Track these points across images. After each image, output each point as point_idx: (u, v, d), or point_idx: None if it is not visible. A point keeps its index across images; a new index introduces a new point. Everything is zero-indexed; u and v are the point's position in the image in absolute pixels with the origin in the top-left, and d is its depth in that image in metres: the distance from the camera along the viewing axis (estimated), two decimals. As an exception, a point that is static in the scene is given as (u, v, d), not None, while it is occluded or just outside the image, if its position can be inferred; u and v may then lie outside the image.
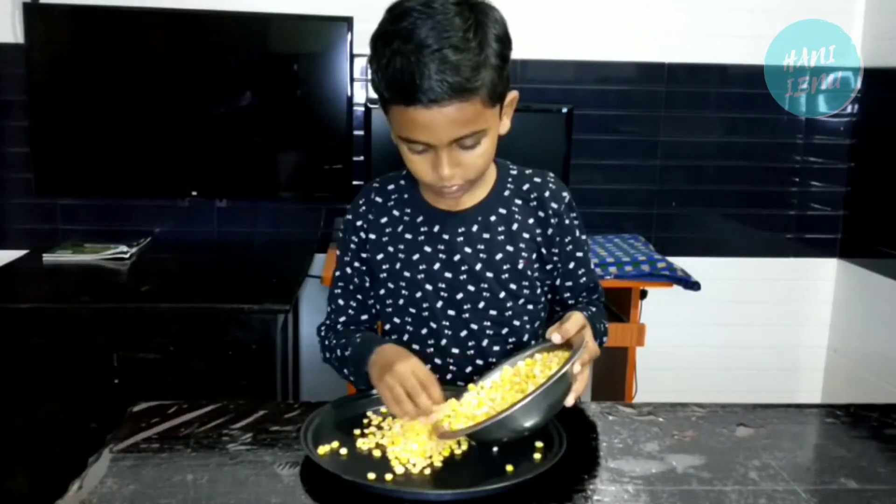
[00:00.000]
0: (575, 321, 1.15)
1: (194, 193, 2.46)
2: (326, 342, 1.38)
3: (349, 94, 2.43)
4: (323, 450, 1.08)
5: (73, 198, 2.55)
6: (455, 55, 1.06)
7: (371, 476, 1.01)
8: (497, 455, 1.09)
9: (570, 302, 1.39)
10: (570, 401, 1.08)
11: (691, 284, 2.34)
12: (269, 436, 1.16)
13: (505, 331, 1.32)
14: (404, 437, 1.10)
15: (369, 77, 1.17)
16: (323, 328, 1.41)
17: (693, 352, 2.80)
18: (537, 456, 1.08)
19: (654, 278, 2.33)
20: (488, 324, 1.31)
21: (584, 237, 1.36)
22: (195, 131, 2.44)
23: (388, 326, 1.36)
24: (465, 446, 1.10)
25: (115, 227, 2.56)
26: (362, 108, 2.44)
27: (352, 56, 2.41)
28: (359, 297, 1.37)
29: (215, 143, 2.45)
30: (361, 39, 2.46)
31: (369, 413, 1.20)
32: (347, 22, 2.39)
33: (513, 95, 1.21)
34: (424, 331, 1.32)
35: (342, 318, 1.38)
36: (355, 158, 2.49)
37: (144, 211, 2.58)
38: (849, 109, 2.72)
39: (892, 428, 1.26)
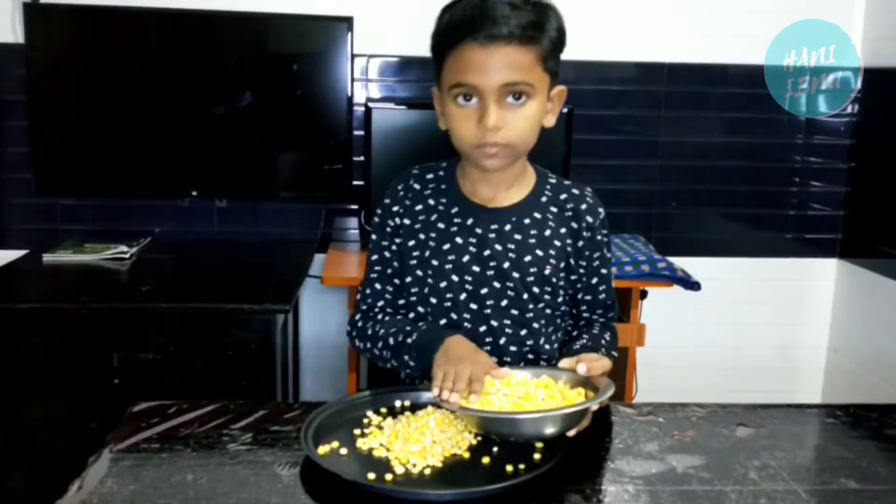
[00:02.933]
0: (602, 365, 1.19)
1: (194, 193, 2.46)
2: (369, 330, 1.36)
3: (349, 94, 2.43)
4: (323, 450, 1.08)
5: (73, 198, 2.55)
6: (519, 8, 1.16)
7: (371, 476, 1.01)
8: (497, 455, 1.09)
9: (584, 315, 1.40)
10: (572, 432, 1.11)
11: (691, 284, 2.34)
12: (270, 436, 1.16)
13: (523, 332, 1.33)
14: (405, 439, 1.10)
15: (435, 27, 1.27)
16: (359, 315, 1.39)
17: (693, 352, 2.80)
18: (537, 456, 1.08)
19: (655, 278, 2.33)
20: (508, 322, 1.32)
21: (610, 256, 1.39)
22: (195, 131, 2.44)
23: (411, 315, 1.36)
24: (465, 446, 1.10)
25: (115, 227, 2.56)
26: (362, 108, 2.44)
27: (352, 56, 2.42)
28: (396, 281, 1.37)
29: (215, 143, 2.45)
30: (361, 39, 2.48)
31: (369, 413, 1.20)
32: (347, 22, 2.39)
33: (562, 89, 1.27)
34: (444, 321, 1.32)
35: (380, 303, 1.38)
36: (355, 158, 2.49)
37: (144, 211, 2.58)
38: (849, 109, 2.72)
39: (892, 428, 1.26)
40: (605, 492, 1.03)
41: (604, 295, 1.39)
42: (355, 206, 2.60)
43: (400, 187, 1.38)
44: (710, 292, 2.47)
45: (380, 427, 1.15)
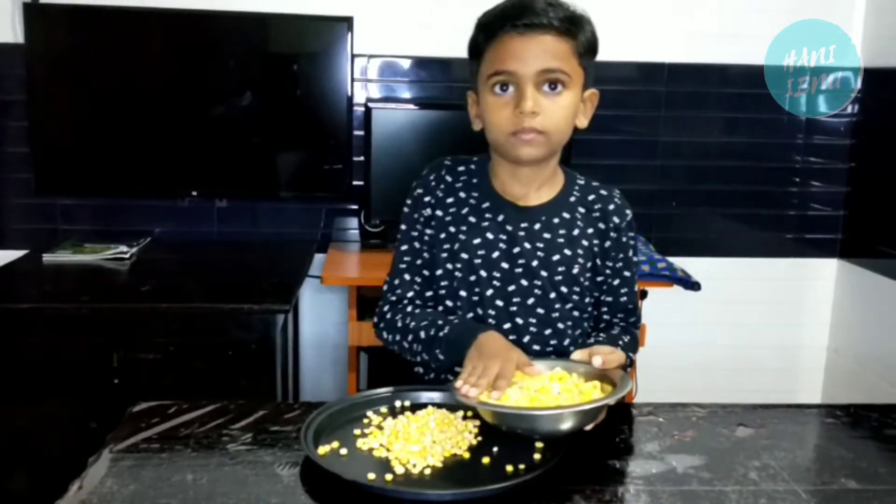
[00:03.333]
0: (617, 357, 1.19)
1: (194, 193, 2.46)
2: (398, 322, 1.36)
3: (349, 93, 2.43)
4: (323, 450, 1.07)
5: (73, 198, 2.55)
6: (556, 5, 1.22)
7: (371, 476, 1.01)
8: (497, 455, 1.08)
9: (605, 317, 1.40)
10: (589, 426, 1.11)
11: (691, 285, 2.33)
12: (269, 436, 1.16)
13: (548, 332, 1.33)
14: (405, 439, 1.10)
15: (473, 31, 1.30)
16: (387, 306, 1.39)
17: (693, 352, 2.80)
18: (537, 456, 1.08)
19: (655, 278, 2.33)
20: (533, 321, 1.32)
21: (635, 259, 1.40)
22: (195, 131, 2.44)
23: (439, 308, 1.36)
24: (465, 446, 1.10)
25: (114, 227, 2.56)
26: (362, 108, 2.44)
27: (352, 56, 2.42)
28: (425, 272, 1.37)
29: (215, 143, 2.45)
30: (361, 39, 2.48)
31: (369, 413, 1.20)
32: (347, 22, 2.39)
33: (595, 92, 1.31)
34: (470, 316, 1.33)
35: (409, 294, 1.37)
36: (355, 158, 2.49)
37: (144, 211, 2.58)
38: (849, 109, 2.72)
39: (892, 428, 1.26)
40: (605, 492, 1.03)
41: (625, 298, 1.39)
42: (355, 207, 2.60)
43: (432, 178, 1.38)
44: (710, 292, 2.47)
45: (380, 427, 1.15)
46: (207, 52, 2.43)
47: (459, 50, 2.85)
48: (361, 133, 2.43)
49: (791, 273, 2.82)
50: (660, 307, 2.51)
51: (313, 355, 2.71)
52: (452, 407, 1.20)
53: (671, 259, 2.41)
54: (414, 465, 1.04)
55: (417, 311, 1.36)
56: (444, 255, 1.34)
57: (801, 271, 2.83)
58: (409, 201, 1.39)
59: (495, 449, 1.10)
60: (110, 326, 1.96)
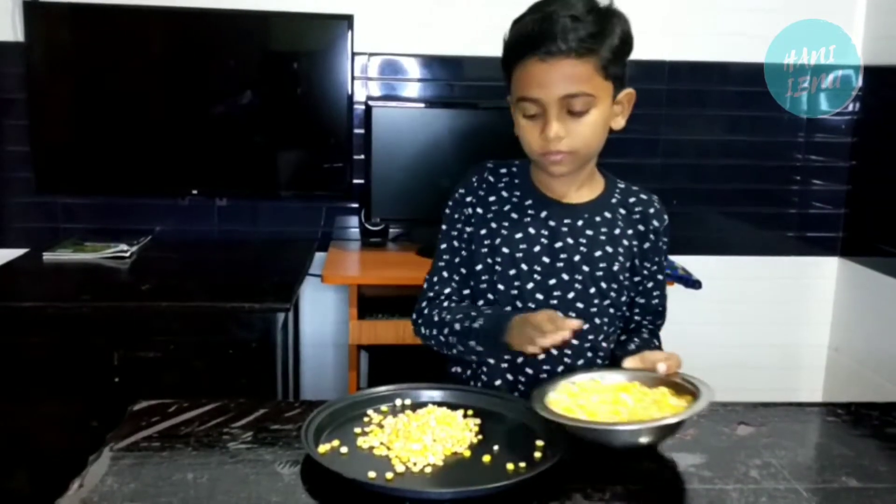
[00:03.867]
0: (676, 362, 1.22)
1: (195, 192, 2.46)
2: (435, 317, 1.37)
3: (350, 92, 2.42)
4: (323, 448, 1.07)
5: (74, 196, 2.55)
6: (580, 20, 1.20)
7: (371, 475, 1.01)
8: (497, 453, 1.08)
9: (636, 318, 1.44)
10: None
11: (692, 283, 2.33)
12: (270, 434, 1.16)
13: (586, 327, 1.34)
14: (406, 437, 1.10)
15: (502, 42, 1.29)
16: (424, 303, 1.41)
17: (694, 350, 2.75)
18: (538, 454, 1.08)
19: (655, 277, 2.33)
20: (573, 315, 1.32)
21: (666, 264, 1.45)
22: (195, 130, 2.44)
23: (480, 302, 1.37)
24: (465, 445, 1.10)
25: (115, 226, 2.56)
26: (363, 107, 2.44)
27: (353, 54, 2.41)
28: (463, 270, 1.39)
29: (215, 142, 2.45)
30: (362, 37, 2.48)
31: (370, 412, 1.20)
32: (348, 20, 2.39)
33: (630, 92, 1.30)
34: (509, 310, 1.33)
35: (446, 290, 1.39)
36: (356, 157, 2.48)
37: (145, 209, 2.58)
38: (850, 108, 2.72)
39: (893, 426, 1.26)
40: (605, 490, 1.03)
41: (657, 301, 1.44)
42: (356, 205, 2.60)
43: (474, 179, 1.40)
44: (711, 291, 2.47)
45: (380, 425, 1.15)
46: (208, 50, 2.43)
47: (460, 48, 2.85)
48: (362, 131, 2.43)
49: (792, 271, 2.82)
50: (660, 306, 2.51)
51: (314, 354, 2.71)
52: (453, 405, 1.20)
53: (672, 257, 2.41)
54: (414, 464, 1.04)
55: (454, 305, 1.38)
56: (485, 249, 1.36)
57: (801, 270, 2.82)
58: (450, 202, 1.42)
59: (496, 447, 1.10)
60: (111, 325, 1.96)
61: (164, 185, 2.47)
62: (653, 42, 2.63)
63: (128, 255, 2.31)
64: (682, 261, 2.44)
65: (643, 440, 1.10)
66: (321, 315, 2.69)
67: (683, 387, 1.16)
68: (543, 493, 1.01)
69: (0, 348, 1.93)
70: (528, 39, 1.21)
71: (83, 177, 2.45)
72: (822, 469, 1.13)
